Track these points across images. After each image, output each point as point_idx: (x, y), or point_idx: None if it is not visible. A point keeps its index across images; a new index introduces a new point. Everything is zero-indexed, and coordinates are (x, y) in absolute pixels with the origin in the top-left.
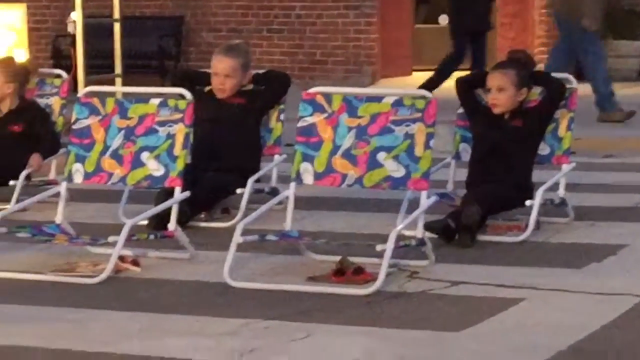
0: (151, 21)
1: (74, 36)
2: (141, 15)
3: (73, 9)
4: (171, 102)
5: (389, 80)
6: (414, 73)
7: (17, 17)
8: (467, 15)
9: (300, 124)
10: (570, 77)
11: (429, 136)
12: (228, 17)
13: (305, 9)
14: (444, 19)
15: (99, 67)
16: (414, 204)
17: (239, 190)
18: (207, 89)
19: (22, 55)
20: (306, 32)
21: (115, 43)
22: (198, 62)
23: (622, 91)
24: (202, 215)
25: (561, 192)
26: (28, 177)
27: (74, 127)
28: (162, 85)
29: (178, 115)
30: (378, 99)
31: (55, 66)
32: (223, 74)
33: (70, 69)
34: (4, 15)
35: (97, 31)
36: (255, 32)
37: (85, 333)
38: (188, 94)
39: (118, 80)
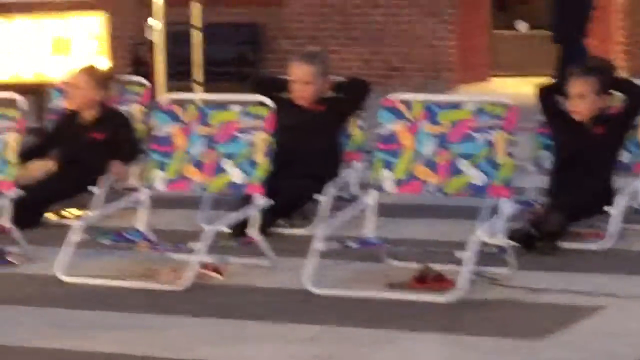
0: (229, 29)
1: (151, 42)
2: (219, 22)
3: (150, 15)
4: (252, 110)
5: (467, 86)
6: (492, 79)
7: (97, 25)
8: (570, 19)
9: (379, 131)
10: None
11: (510, 143)
12: (306, 24)
13: (383, 15)
14: (521, 25)
15: (176, 74)
16: (493, 211)
17: (318, 197)
18: (287, 96)
19: (104, 63)
20: (384, 38)
21: (195, 50)
22: (276, 69)
23: None
24: (283, 222)
25: None
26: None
27: (154, 134)
28: (241, 92)
29: (259, 123)
30: (458, 105)
31: (133, 73)
32: (302, 80)
33: (148, 75)
34: (85, 23)
35: (174, 38)
36: (333, 38)
37: (167, 339)
38: (269, 102)
39: (197, 88)
